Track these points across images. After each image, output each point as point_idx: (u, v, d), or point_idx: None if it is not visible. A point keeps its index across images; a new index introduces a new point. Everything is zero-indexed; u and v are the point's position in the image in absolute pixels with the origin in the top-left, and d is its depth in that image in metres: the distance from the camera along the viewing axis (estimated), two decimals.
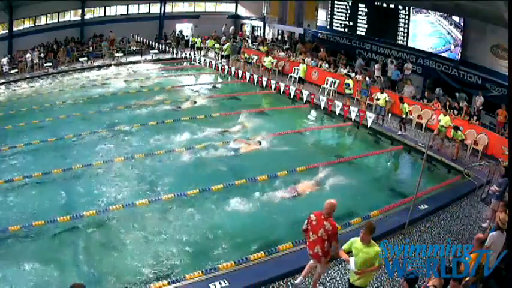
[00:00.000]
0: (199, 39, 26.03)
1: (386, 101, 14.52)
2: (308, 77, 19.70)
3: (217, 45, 24.92)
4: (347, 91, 16.52)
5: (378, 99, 14.61)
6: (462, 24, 16.12)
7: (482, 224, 9.09)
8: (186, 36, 28.61)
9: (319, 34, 23.24)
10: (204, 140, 12.78)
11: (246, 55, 22.37)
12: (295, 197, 9.79)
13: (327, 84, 18.69)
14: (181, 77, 22.20)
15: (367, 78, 16.62)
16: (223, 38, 26.39)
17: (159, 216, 8.94)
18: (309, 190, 10.05)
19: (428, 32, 17.57)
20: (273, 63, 20.71)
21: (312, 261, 6.36)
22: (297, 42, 24.83)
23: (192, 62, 24.35)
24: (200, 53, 25.66)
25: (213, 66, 22.75)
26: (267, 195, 9.80)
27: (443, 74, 17.13)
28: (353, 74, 18.00)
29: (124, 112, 15.73)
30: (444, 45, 17.08)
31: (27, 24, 23.81)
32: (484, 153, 12.74)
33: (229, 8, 30.71)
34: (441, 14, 16.92)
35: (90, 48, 25.23)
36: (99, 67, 23.82)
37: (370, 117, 14.20)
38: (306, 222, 6.13)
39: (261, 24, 29.01)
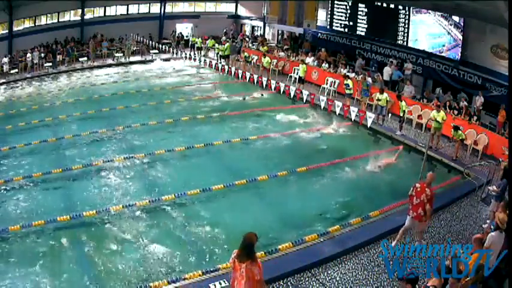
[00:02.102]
0: (200, 39, 26.02)
1: (387, 101, 14.52)
2: (308, 77, 19.68)
3: (217, 46, 24.93)
4: (347, 91, 16.50)
5: (378, 100, 14.60)
6: (462, 24, 16.12)
7: (483, 225, 9.08)
8: (186, 36, 28.58)
9: (319, 34, 23.23)
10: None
11: (246, 54, 22.37)
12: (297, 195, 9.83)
13: (327, 84, 18.68)
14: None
15: (368, 78, 16.59)
16: (223, 38, 26.39)
17: (160, 216, 8.95)
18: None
19: (428, 32, 17.56)
20: (270, 63, 20.70)
21: (406, 224, 7.64)
22: (296, 42, 24.84)
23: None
24: (200, 53, 25.66)
25: (213, 66, 22.75)
26: (266, 195, 9.83)
27: (443, 74, 17.12)
28: (353, 74, 17.98)
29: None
30: (444, 45, 17.08)
31: (27, 24, 23.82)
32: (484, 153, 12.72)
33: (229, 8, 30.69)
34: (441, 14, 16.92)
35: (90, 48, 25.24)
36: (100, 67, 23.87)
37: (370, 117, 14.18)
38: (412, 189, 7.51)
39: (261, 24, 28.99)
